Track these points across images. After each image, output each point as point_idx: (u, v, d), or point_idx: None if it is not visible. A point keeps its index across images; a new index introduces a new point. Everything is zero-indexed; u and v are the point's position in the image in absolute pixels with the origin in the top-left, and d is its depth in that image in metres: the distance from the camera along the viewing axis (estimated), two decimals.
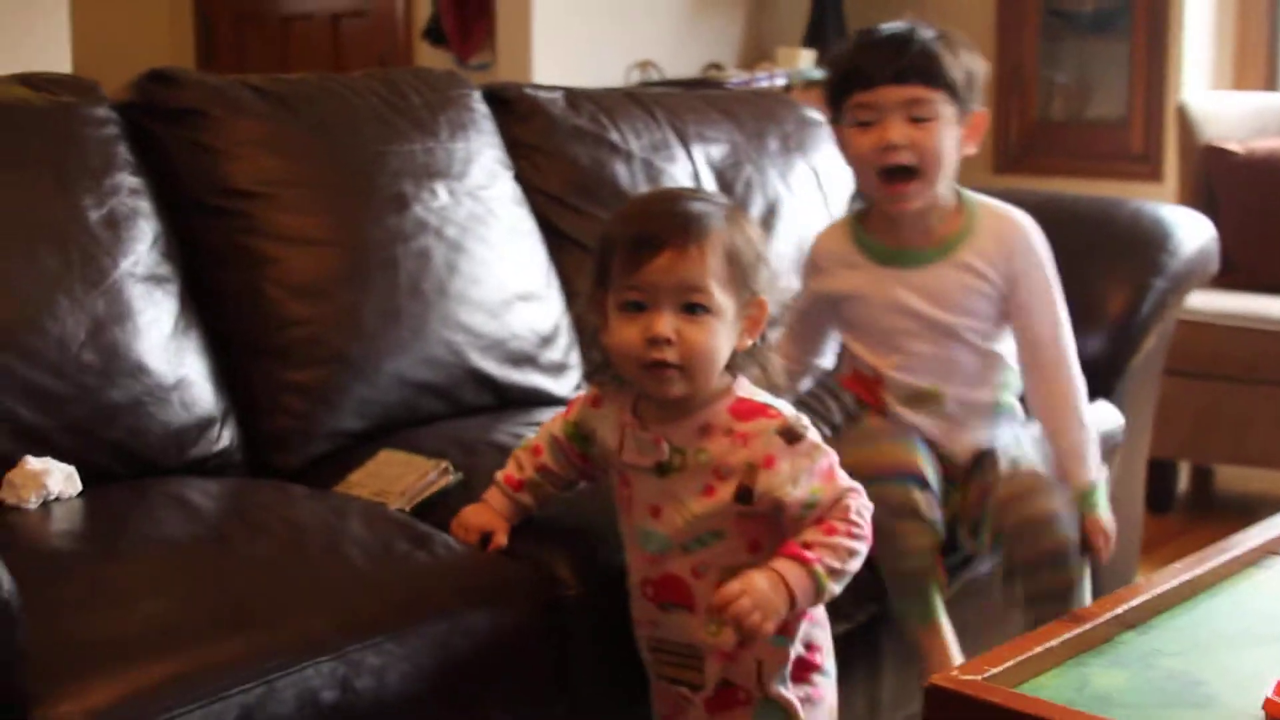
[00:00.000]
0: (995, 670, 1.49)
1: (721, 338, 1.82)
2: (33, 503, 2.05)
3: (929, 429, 2.36)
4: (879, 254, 2.35)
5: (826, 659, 1.95)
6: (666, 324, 1.78)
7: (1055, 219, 3.16)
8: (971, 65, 2.29)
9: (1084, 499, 2.31)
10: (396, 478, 2.23)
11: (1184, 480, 4.47)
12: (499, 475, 2.08)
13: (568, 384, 2.74)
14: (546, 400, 2.68)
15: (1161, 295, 2.99)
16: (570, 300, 2.84)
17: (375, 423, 2.46)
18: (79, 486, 2.11)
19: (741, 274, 1.83)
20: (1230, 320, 4.02)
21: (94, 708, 1.56)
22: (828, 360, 2.51)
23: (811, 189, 3.30)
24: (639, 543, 1.92)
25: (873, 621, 2.34)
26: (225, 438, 2.34)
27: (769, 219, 3.18)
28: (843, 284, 2.38)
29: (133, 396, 2.21)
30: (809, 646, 1.91)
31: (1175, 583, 1.66)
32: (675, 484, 1.87)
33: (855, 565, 1.83)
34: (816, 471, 1.82)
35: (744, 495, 1.82)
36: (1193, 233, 3.09)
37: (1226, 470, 4.55)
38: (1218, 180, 4.42)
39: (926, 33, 2.26)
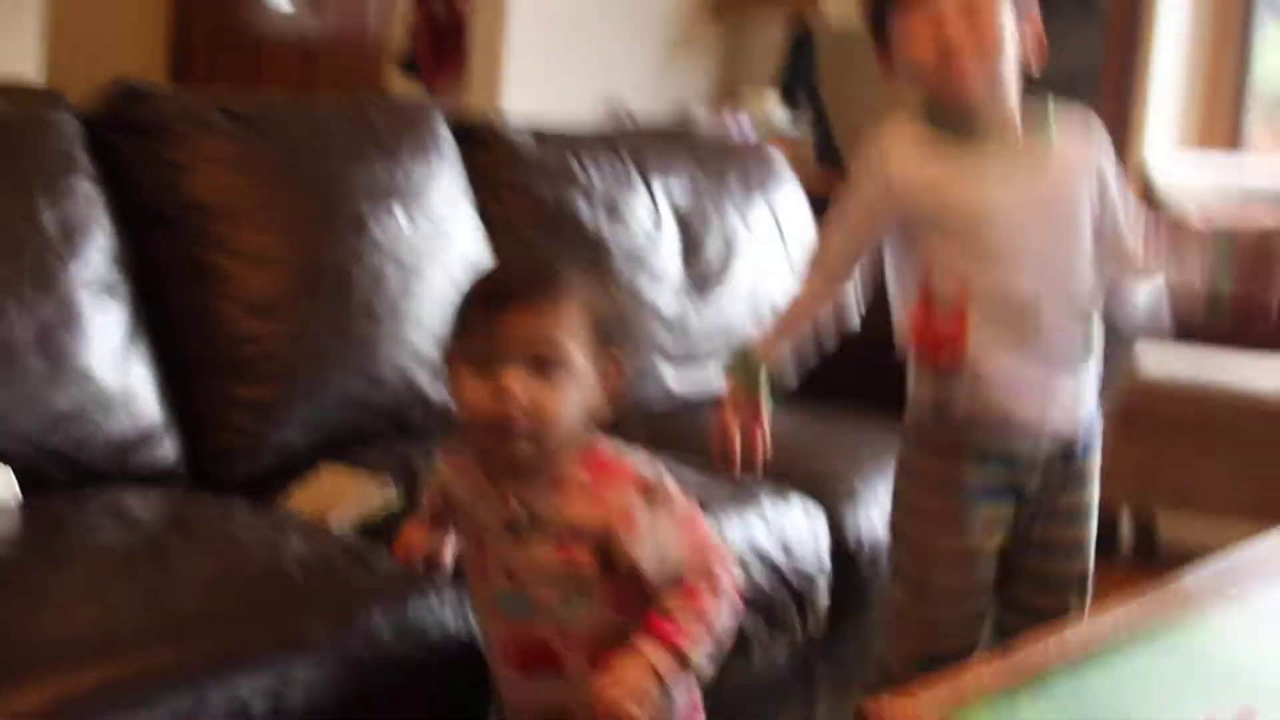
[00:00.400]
0: (926, 697, 1.49)
1: (573, 397, 1.73)
2: None
3: (1014, 396, 2.06)
4: (972, 135, 2.07)
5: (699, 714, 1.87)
6: (516, 382, 1.70)
7: None
8: None
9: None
10: (338, 495, 2.23)
11: (1126, 527, 4.49)
12: (425, 498, 2.02)
13: None
14: None
15: (1110, 350, 3.00)
16: None
17: (321, 440, 2.46)
18: (16, 492, 2.10)
19: (597, 333, 1.75)
20: (1181, 376, 4.04)
21: (22, 711, 1.56)
22: (853, 309, 2.19)
23: (770, 229, 3.32)
24: (499, 607, 1.81)
25: (810, 642, 2.35)
26: (169, 450, 2.33)
27: (727, 257, 3.19)
28: (937, 178, 2.07)
29: (77, 404, 2.20)
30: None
31: (1113, 625, 1.67)
32: (529, 545, 1.76)
33: (725, 632, 1.73)
34: (678, 532, 1.74)
35: (602, 557, 1.73)
36: (1144, 288, 3.11)
37: (1169, 517, 4.56)
38: None
39: None
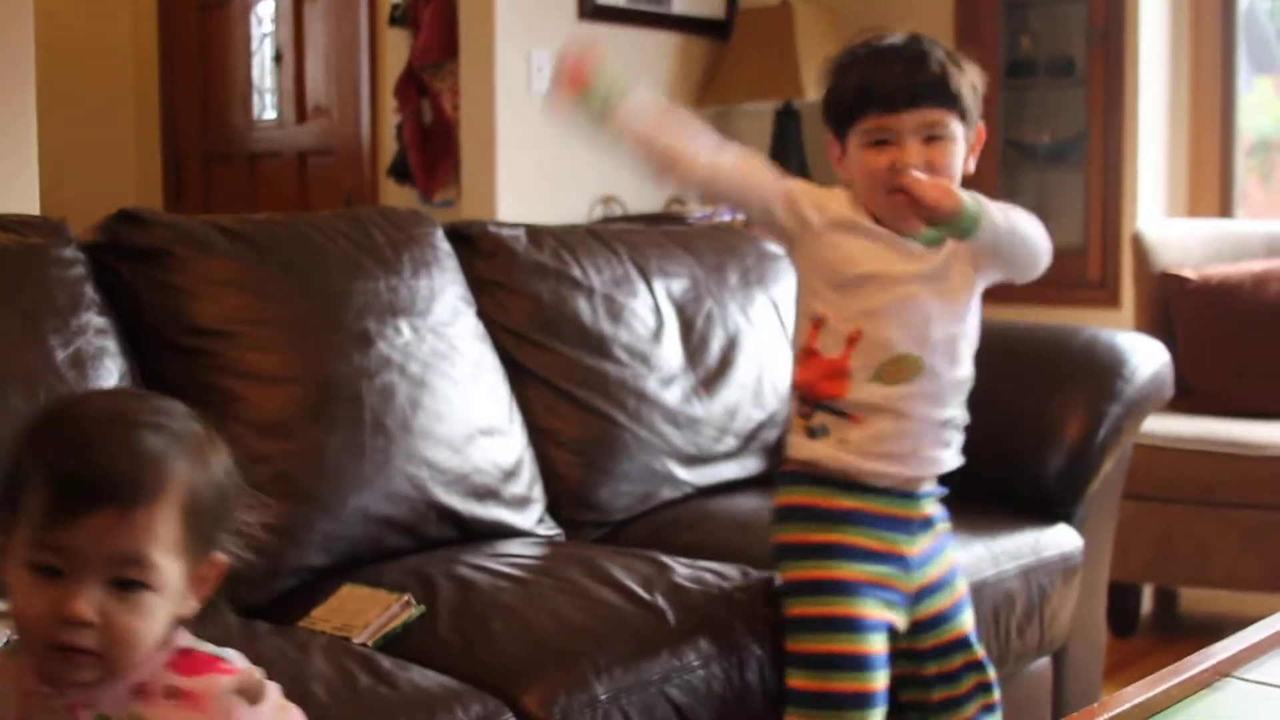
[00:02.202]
0: None
1: (161, 616, 1.41)
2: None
3: (885, 458, 2.31)
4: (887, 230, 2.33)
5: None
6: (87, 604, 1.36)
7: (1011, 347, 3.23)
8: (976, 80, 2.31)
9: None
10: (359, 612, 2.24)
11: (1147, 603, 4.50)
12: None
13: (531, 517, 2.76)
14: (509, 533, 2.70)
15: (1117, 421, 3.03)
16: (533, 435, 2.87)
17: (340, 558, 2.47)
18: None
19: (200, 532, 1.44)
20: (1187, 444, 4.06)
21: None
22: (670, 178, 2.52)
23: (772, 322, 3.34)
24: None
25: None
26: None
27: (730, 352, 3.22)
28: (847, 244, 2.32)
29: None
30: None
31: (1129, 705, 1.67)
32: None
33: None
34: None
35: None
36: (1147, 358, 3.14)
37: (1190, 592, 4.57)
38: (1174, 306, 4.48)
39: (936, 49, 2.28)
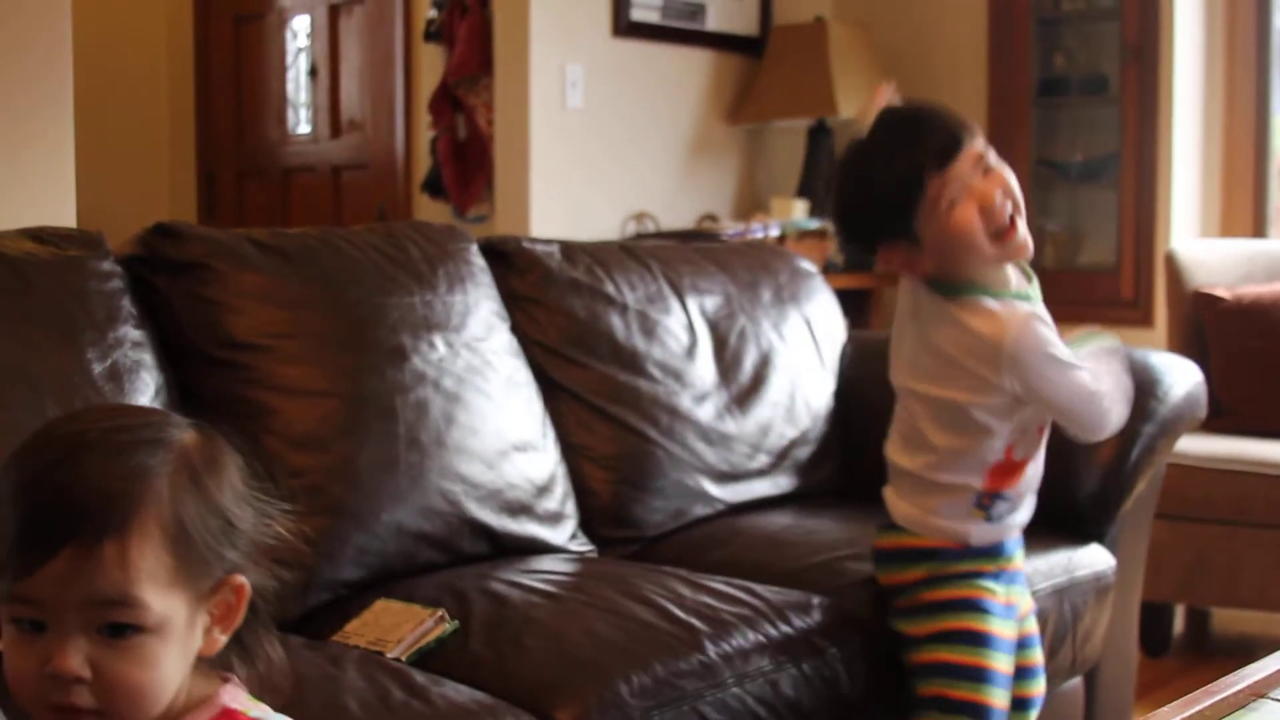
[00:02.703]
0: None
1: (166, 659, 1.27)
2: None
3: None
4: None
5: None
6: (74, 657, 1.22)
7: None
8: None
9: None
10: (393, 627, 2.25)
11: (1180, 623, 4.48)
12: None
13: (564, 533, 2.77)
14: (543, 549, 2.70)
15: (1150, 440, 3.02)
16: (566, 451, 2.87)
17: (373, 573, 2.48)
18: None
19: (198, 557, 1.29)
20: (1221, 464, 4.05)
21: None
22: None
23: (805, 339, 3.34)
24: None
25: None
26: None
27: (763, 369, 3.22)
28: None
29: None
30: None
31: None
32: None
33: None
34: None
35: None
36: (1180, 378, 3.13)
37: (1222, 612, 4.56)
38: (1207, 325, 4.47)
39: (933, 106, 2.39)
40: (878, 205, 2.35)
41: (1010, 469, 2.41)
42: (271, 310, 2.56)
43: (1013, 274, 2.40)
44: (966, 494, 2.39)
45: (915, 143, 2.29)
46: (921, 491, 2.41)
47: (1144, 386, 3.07)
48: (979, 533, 2.41)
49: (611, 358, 3.01)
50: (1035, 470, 2.46)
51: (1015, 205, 2.31)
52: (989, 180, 2.29)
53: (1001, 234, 2.30)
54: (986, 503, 2.41)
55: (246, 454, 1.37)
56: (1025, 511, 2.48)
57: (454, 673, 2.14)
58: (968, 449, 2.37)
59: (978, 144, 2.30)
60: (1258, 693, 1.80)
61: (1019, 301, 2.37)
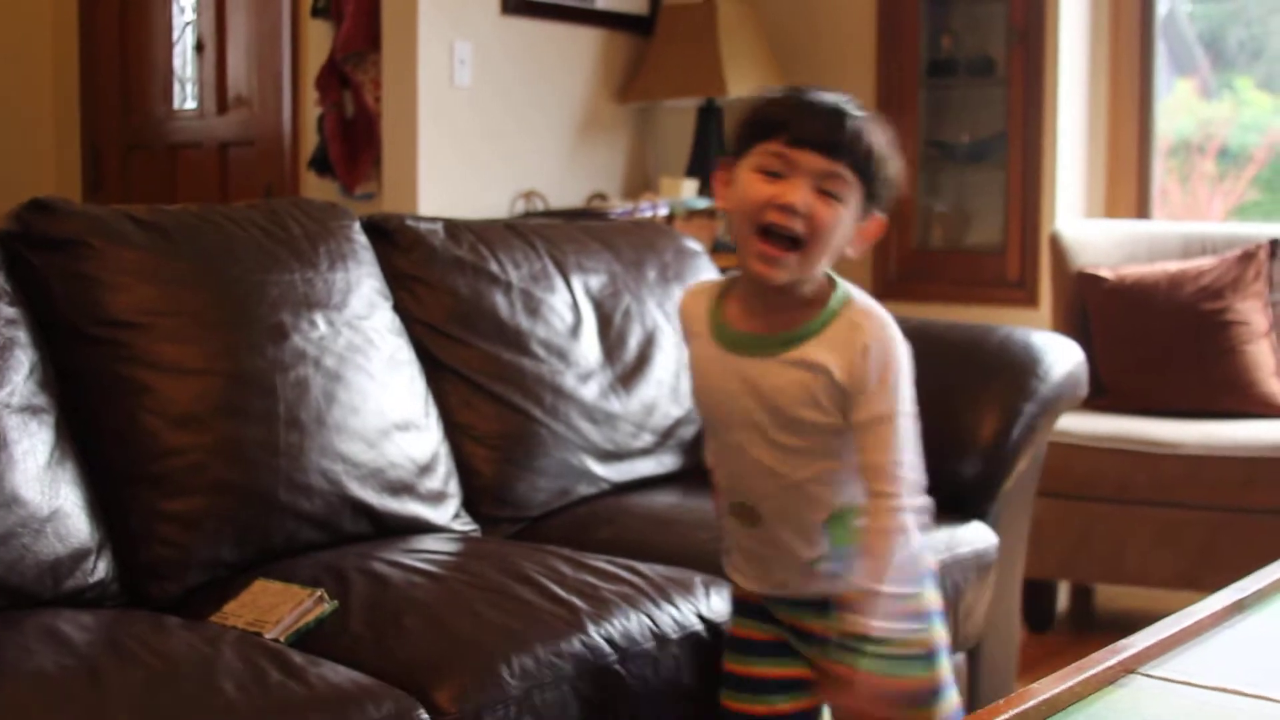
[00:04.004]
0: None
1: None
2: None
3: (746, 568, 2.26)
4: (723, 337, 2.19)
5: None
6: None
7: (926, 345, 3.23)
8: (892, 171, 2.12)
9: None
10: (271, 607, 2.23)
11: (1064, 599, 4.54)
12: None
13: (447, 512, 2.76)
14: (425, 528, 2.69)
15: (1031, 419, 3.06)
16: (449, 430, 2.86)
17: (253, 552, 2.46)
18: None
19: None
20: (1104, 442, 4.10)
21: None
22: None
23: None
24: None
25: None
26: (101, 569, 2.32)
27: (647, 348, 3.22)
28: (696, 354, 2.25)
29: (6, 528, 2.19)
30: None
31: (1035, 701, 1.68)
32: None
33: None
34: None
35: None
36: (1061, 357, 3.17)
37: (1106, 588, 4.62)
38: (1090, 305, 4.52)
39: (858, 112, 2.10)
40: (745, 118, 2.16)
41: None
42: (150, 287, 2.53)
43: (760, 314, 2.17)
44: None
45: (814, 111, 2.09)
46: None
47: (1025, 365, 3.11)
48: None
49: (495, 336, 3.00)
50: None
51: (803, 238, 2.07)
52: (816, 199, 2.05)
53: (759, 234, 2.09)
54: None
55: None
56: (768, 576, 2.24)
57: (333, 653, 2.12)
58: None
59: (844, 171, 2.06)
60: (1128, 668, 1.82)
61: (720, 346, 2.19)
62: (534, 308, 3.07)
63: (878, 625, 2.01)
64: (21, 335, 2.37)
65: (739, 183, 2.10)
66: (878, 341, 2.12)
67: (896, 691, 2.08)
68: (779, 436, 2.13)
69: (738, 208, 2.11)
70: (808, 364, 2.11)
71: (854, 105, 2.11)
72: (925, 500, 2.12)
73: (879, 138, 2.10)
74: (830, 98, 2.11)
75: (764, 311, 2.16)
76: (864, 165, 2.08)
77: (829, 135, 2.06)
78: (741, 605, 2.31)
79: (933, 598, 2.22)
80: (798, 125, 2.06)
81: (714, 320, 2.20)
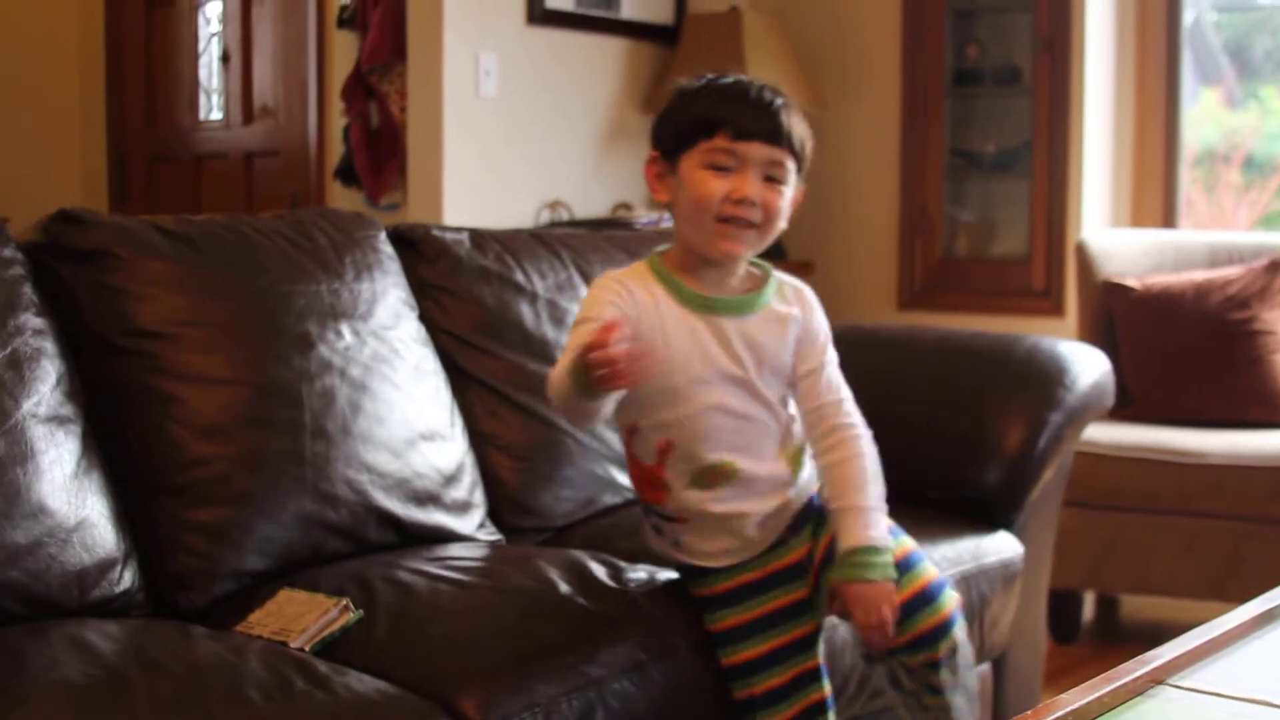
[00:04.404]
0: None
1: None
2: None
3: (723, 554, 2.35)
4: (690, 300, 2.30)
5: None
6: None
7: (953, 354, 3.24)
8: (809, 138, 2.32)
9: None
10: (297, 616, 2.23)
11: (1089, 610, 4.52)
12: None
13: (472, 522, 2.76)
14: (450, 538, 2.69)
15: (1058, 429, 3.05)
16: (474, 440, 2.86)
17: (278, 562, 2.46)
18: None
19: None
20: (1130, 452, 4.08)
21: None
22: None
23: None
24: None
25: None
26: (127, 579, 2.32)
27: None
28: (650, 326, 2.28)
29: (33, 538, 2.19)
30: None
31: (1063, 712, 1.68)
32: None
33: None
34: None
35: None
36: (1088, 367, 3.16)
37: (1131, 599, 4.60)
38: (1116, 315, 4.51)
39: (780, 96, 2.29)
40: (674, 116, 2.35)
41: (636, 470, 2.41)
42: (176, 298, 2.54)
43: (718, 282, 2.33)
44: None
45: (743, 102, 2.27)
46: None
47: (1052, 375, 3.10)
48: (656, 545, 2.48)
49: (521, 346, 3.00)
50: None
51: (758, 224, 2.26)
52: (763, 187, 2.25)
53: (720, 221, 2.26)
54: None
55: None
56: (723, 542, 2.37)
57: (358, 662, 2.12)
58: None
59: (784, 156, 2.26)
60: (1157, 679, 1.81)
61: (689, 310, 2.30)
62: (559, 317, 3.07)
63: (878, 535, 2.24)
64: (49, 346, 2.37)
65: (689, 180, 2.27)
66: (813, 296, 2.39)
67: (909, 593, 2.24)
68: (763, 386, 2.29)
69: (692, 204, 2.27)
70: (782, 317, 2.32)
71: (771, 89, 2.30)
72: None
73: (800, 117, 2.31)
74: (754, 87, 2.29)
75: (722, 281, 2.32)
76: (800, 148, 2.28)
77: (771, 126, 2.25)
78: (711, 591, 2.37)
79: None
80: (740, 120, 2.25)
81: (673, 288, 2.31)
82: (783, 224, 2.30)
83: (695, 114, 2.29)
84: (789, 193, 2.28)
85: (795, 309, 2.33)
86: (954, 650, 2.25)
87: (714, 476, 2.30)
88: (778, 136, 2.25)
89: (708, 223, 2.25)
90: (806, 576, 2.34)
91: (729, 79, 2.31)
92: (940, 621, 2.24)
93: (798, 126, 2.28)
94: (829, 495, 2.31)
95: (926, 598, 2.24)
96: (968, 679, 2.28)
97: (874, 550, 2.22)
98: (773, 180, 2.26)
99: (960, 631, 2.27)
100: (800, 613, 2.34)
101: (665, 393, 2.28)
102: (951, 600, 2.27)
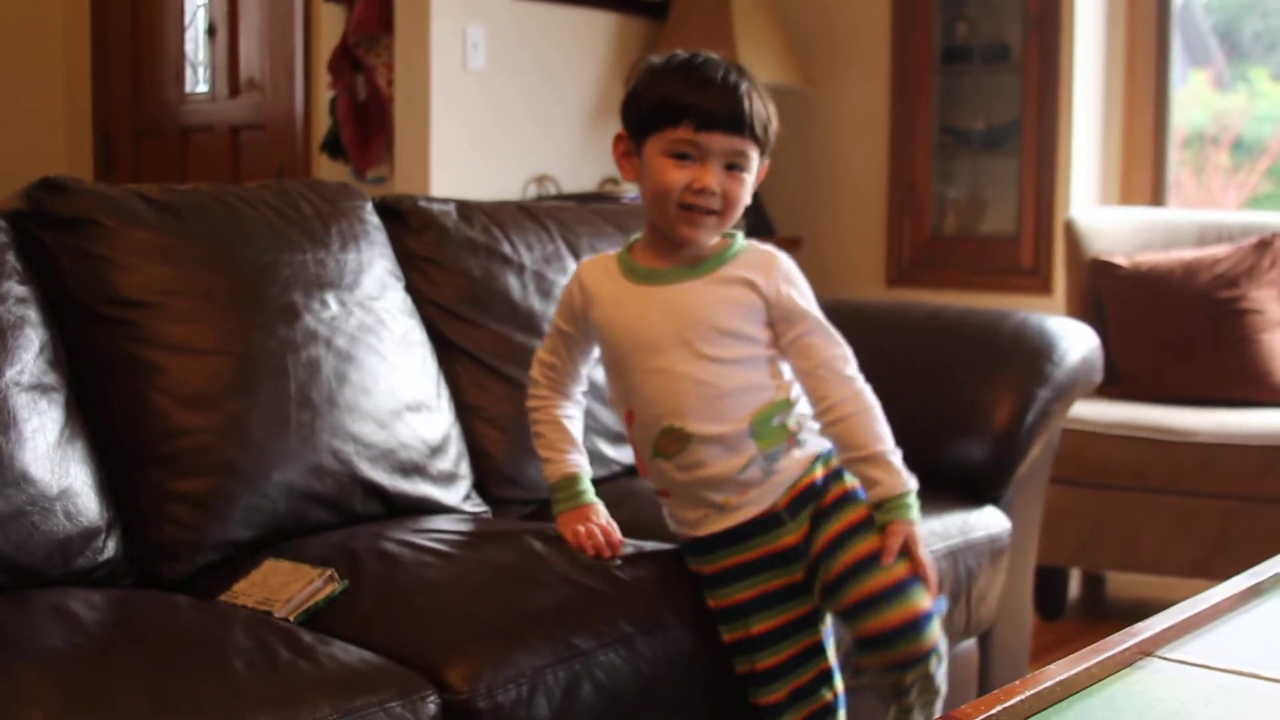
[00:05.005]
0: None
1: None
2: None
3: (698, 523, 2.37)
4: (637, 273, 2.39)
5: None
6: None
7: (941, 330, 3.24)
8: (773, 118, 2.34)
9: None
10: (281, 586, 2.22)
11: (1075, 587, 4.52)
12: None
13: (458, 494, 2.75)
14: (435, 509, 2.68)
15: (1046, 405, 3.04)
16: (460, 411, 2.85)
17: (263, 532, 2.45)
18: None
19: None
20: (1118, 430, 4.08)
21: None
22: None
23: None
24: None
25: None
26: (110, 548, 2.31)
27: None
28: (606, 306, 2.40)
29: (16, 507, 2.18)
30: None
31: (1051, 682, 1.67)
32: None
33: None
34: None
35: None
36: (1076, 342, 3.15)
37: (1118, 576, 4.60)
38: (1105, 292, 4.50)
39: (744, 80, 2.30)
40: (641, 99, 2.36)
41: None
42: (161, 267, 2.52)
43: (675, 258, 2.39)
44: None
45: (706, 90, 2.28)
46: None
47: (1040, 350, 3.10)
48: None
49: (508, 318, 2.99)
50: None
51: (720, 211, 2.32)
52: (726, 176, 2.30)
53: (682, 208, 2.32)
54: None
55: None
56: (693, 513, 2.40)
57: (343, 633, 2.11)
58: None
59: (745, 145, 2.30)
60: (1145, 650, 1.81)
61: (633, 283, 2.39)
62: (546, 289, 3.06)
63: (906, 478, 2.30)
64: (32, 314, 2.36)
65: (652, 167, 2.32)
66: (784, 259, 2.38)
67: (897, 618, 2.24)
68: (707, 348, 2.30)
69: (654, 190, 2.32)
70: (732, 279, 2.33)
71: (738, 72, 2.31)
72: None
73: (764, 98, 2.32)
74: (720, 70, 2.31)
75: (676, 252, 2.37)
76: (763, 135, 2.31)
77: (734, 116, 2.27)
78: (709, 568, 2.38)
79: None
80: (702, 110, 2.27)
81: (625, 267, 2.40)
82: (746, 202, 2.34)
83: (660, 100, 2.30)
84: (750, 179, 2.33)
85: (755, 274, 2.33)
86: (925, 680, 2.26)
87: (669, 443, 2.33)
88: (740, 126, 2.27)
89: (670, 209, 2.31)
90: (803, 560, 2.34)
91: (699, 59, 2.32)
92: (916, 653, 2.24)
93: (761, 112, 2.30)
94: (845, 449, 2.32)
95: (912, 628, 2.24)
96: (930, 713, 2.30)
97: (911, 493, 2.30)
98: (734, 168, 2.30)
99: (936, 669, 2.27)
100: (796, 594, 2.34)
101: (616, 365, 2.39)
102: (933, 635, 2.26)
